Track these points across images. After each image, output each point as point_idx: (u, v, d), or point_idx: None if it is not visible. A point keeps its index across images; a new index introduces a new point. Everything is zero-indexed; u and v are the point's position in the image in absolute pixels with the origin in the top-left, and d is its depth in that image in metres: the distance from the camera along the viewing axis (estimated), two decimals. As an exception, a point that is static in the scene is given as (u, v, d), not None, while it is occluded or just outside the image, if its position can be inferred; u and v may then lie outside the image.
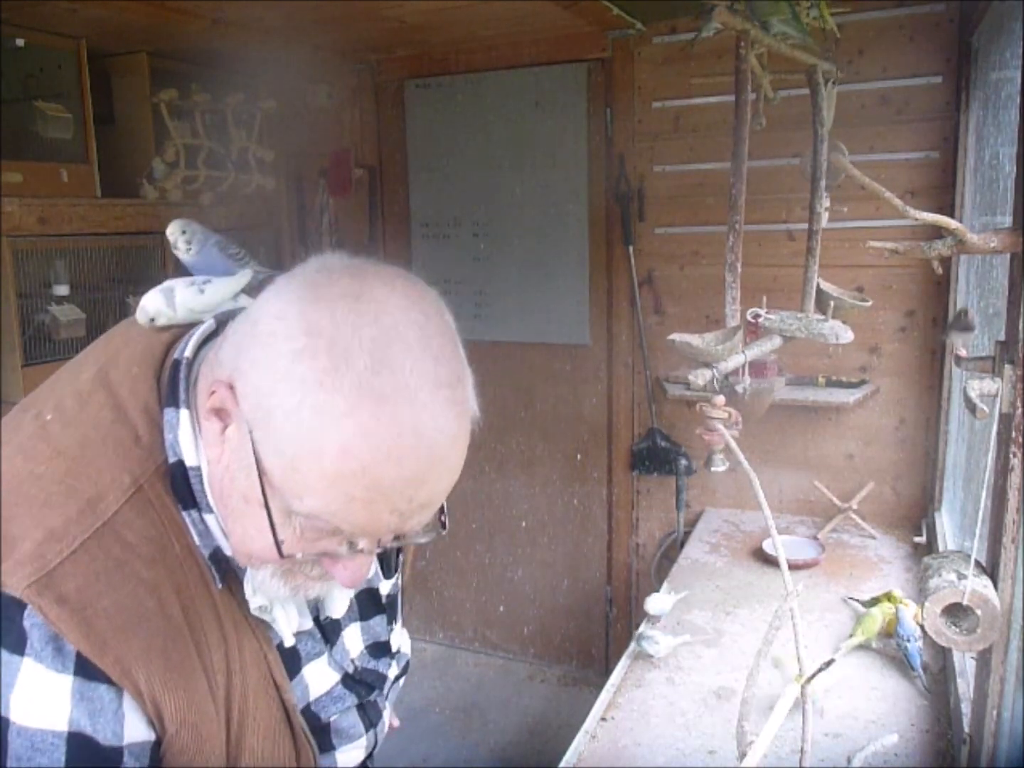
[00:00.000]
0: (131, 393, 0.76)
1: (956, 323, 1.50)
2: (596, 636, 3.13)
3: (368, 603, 0.95)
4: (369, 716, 0.93)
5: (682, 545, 2.55)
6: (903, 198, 1.24)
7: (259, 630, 0.79)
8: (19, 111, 2.28)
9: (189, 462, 0.73)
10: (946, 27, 2.29)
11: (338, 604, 0.88)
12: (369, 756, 0.97)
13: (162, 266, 2.68)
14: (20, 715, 0.65)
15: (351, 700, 0.90)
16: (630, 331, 2.83)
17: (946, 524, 2.27)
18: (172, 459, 0.74)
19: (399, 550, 1.00)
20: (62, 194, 2.37)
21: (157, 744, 0.72)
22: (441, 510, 0.75)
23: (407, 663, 1.05)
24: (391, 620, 0.99)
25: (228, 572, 0.76)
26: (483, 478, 3.12)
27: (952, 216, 1.73)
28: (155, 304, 0.82)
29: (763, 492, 1.05)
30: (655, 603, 1.94)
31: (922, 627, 1.11)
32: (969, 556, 1.12)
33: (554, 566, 3.14)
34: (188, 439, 0.74)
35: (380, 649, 0.97)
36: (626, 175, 2.73)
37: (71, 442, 0.73)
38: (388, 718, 0.99)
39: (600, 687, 1.71)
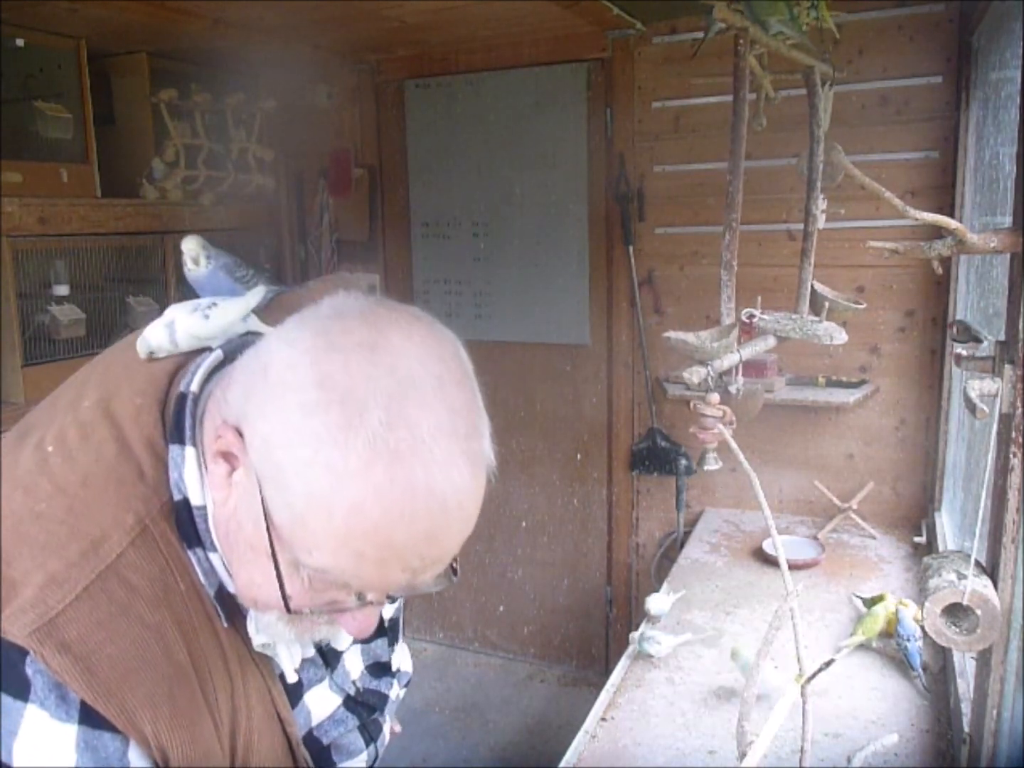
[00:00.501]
0: (135, 426, 0.73)
1: (961, 336, 1.49)
2: (596, 636, 3.13)
3: None
4: (369, 732, 0.93)
5: (682, 545, 2.55)
6: (903, 198, 1.24)
7: (263, 664, 0.78)
8: (19, 111, 2.28)
9: (195, 501, 0.71)
10: (946, 27, 2.29)
11: (343, 637, 0.86)
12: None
13: (162, 266, 2.69)
14: (24, 763, 0.64)
15: (353, 722, 0.89)
16: (630, 331, 2.83)
17: (946, 524, 2.27)
18: (177, 497, 0.71)
19: None
20: (62, 194, 2.37)
21: None
22: (453, 561, 0.72)
23: (408, 680, 1.04)
24: (392, 642, 0.98)
25: (233, 609, 0.75)
26: (483, 478, 3.11)
27: (952, 216, 1.73)
28: (157, 339, 0.77)
29: (763, 492, 1.05)
30: (655, 603, 1.94)
31: (922, 627, 1.11)
32: (969, 556, 1.12)
33: (554, 566, 3.14)
34: (194, 478, 0.71)
35: (381, 669, 0.96)
36: (626, 175, 2.73)
37: (73, 478, 0.71)
38: (388, 730, 0.99)
39: (600, 687, 1.71)
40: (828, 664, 0.99)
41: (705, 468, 1.32)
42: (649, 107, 2.67)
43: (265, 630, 0.74)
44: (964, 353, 1.17)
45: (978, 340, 1.28)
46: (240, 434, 0.66)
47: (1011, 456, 1.04)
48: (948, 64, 2.29)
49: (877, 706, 1.59)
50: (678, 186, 2.67)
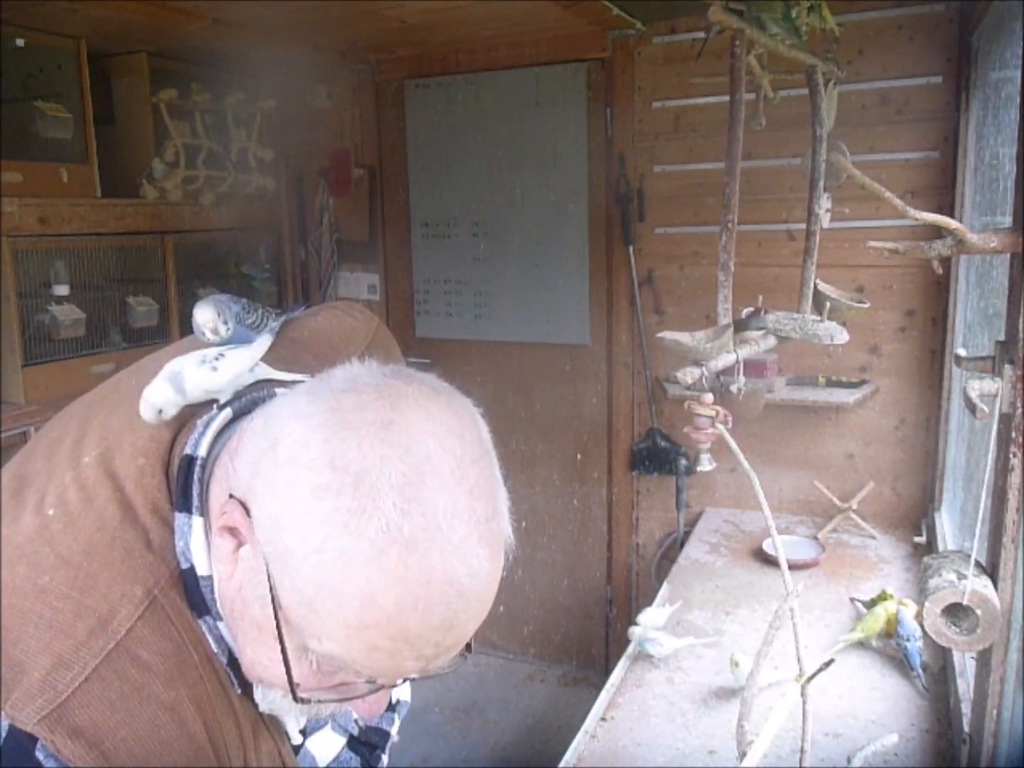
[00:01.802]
0: (138, 488, 0.70)
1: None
2: (596, 636, 3.13)
3: None
4: (368, 760, 0.92)
5: (682, 545, 2.55)
6: (903, 198, 1.24)
7: (273, 727, 0.76)
8: (19, 111, 2.28)
9: (201, 571, 0.68)
10: (946, 27, 2.29)
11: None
12: None
13: (162, 266, 2.69)
14: None
15: (356, 762, 0.89)
16: (630, 331, 2.83)
17: (946, 524, 2.27)
18: (184, 565, 0.68)
19: None
20: (62, 194, 2.37)
21: None
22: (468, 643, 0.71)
23: (406, 709, 1.03)
24: None
25: (244, 674, 0.72)
26: (483, 478, 3.11)
27: (952, 216, 1.73)
28: (163, 396, 0.71)
29: (763, 492, 1.05)
30: (649, 618, 1.91)
31: (922, 627, 1.11)
32: (969, 556, 1.12)
33: (554, 566, 3.14)
34: (200, 547, 0.68)
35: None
36: (626, 175, 2.73)
37: (76, 547, 0.67)
38: (387, 760, 0.98)
39: (600, 687, 1.71)
40: (828, 664, 0.99)
41: (699, 469, 1.31)
42: (649, 107, 2.67)
43: (271, 703, 0.72)
44: (964, 353, 1.17)
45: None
46: (247, 510, 0.63)
47: (1011, 456, 1.04)
48: (948, 64, 2.29)
49: (877, 706, 1.59)
50: (678, 186, 2.67)
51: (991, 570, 1.10)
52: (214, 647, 0.69)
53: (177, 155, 2.67)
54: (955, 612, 1.08)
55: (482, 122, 2.92)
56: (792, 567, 1.86)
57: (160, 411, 0.71)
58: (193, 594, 0.68)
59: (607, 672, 1.82)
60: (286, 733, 0.79)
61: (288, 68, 2.94)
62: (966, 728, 1.35)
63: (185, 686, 0.67)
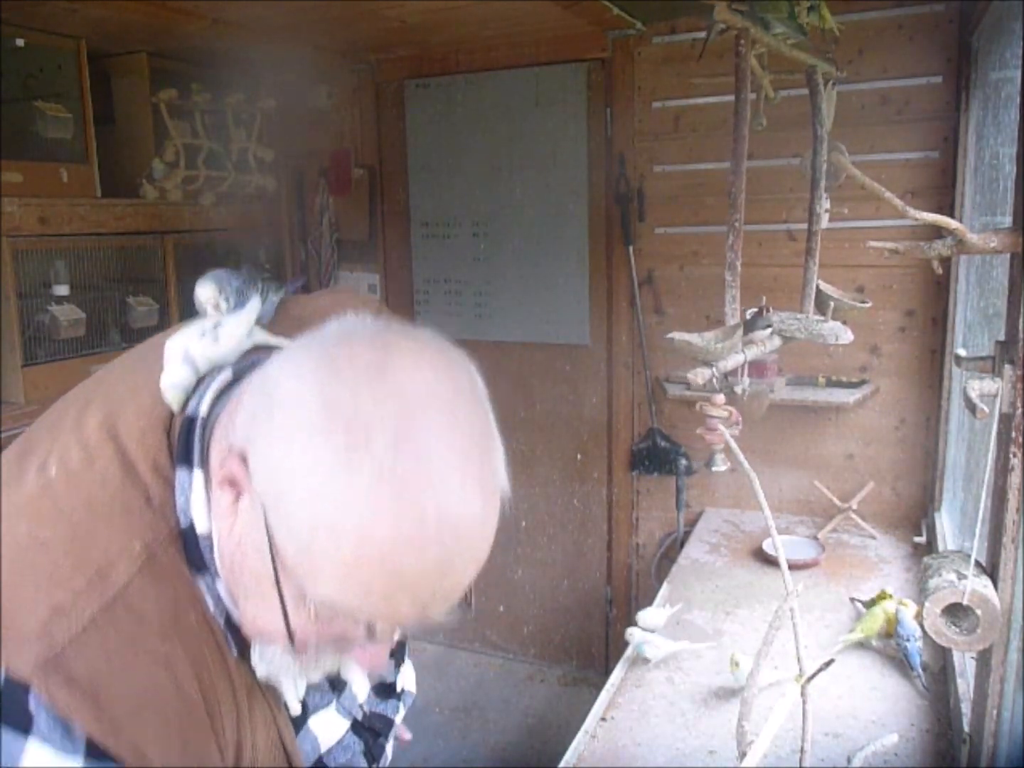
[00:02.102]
0: (140, 448, 0.70)
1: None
2: (596, 636, 3.13)
3: None
4: (373, 753, 0.92)
5: (682, 545, 2.55)
6: (903, 198, 1.24)
7: (270, 695, 0.76)
8: (19, 111, 2.28)
9: (200, 528, 0.69)
10: (946, 27, 2.29)
11: (350, 667, 0.82)
12: None
13: (162, 266, 2.69)
14: None
15: (359, 747, 0.88)
16: (630, 331, 2.83)
17: (946, 524, 2.27)
18: (184, 523, 0.69)
19: None
20: (62, 194, 2.37)
21: None
22: (468, 594, 0.71)
23: (411, 700, 1.03)
24: (399, 662, 0.98)
25: (242, 638, 0.72)
26: (483, 478, 3.11)
27: (952, 216, 1.73)
28: (183, 377, 0.73)
29: (763, 492, 1.05)
30: (648, 618, 1.91)
31: (922, 627, 1.11)
32: (969, 556, 1.12)
33: (554, 566, 3.14)
34: (200, 503, 0.69)
35: (387, 691, 0.95)
36: (626, 175, 2.73)
37: (78, 503, 0.68)
38: (391, 749, 0.98)
39: (600, 687, 1.71)
40: (828, 664, 0.99)
41: (712, 469, 1.31)
42: (649, 107, 2.67)
43: (269, 662, 0.71)
44: (964, 353, 1.17)
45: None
46: (245, 461, 0.64)
47: (1011, 456, 1.04)
48: (948, 64, 2.29)
49: (877, 706, 1.59)
50: (678, 186, 2.67)
51: (991, 570, 1.10)
52: (211, 607, 0.70)
53: (177, 155, 2.67)
54: (955, 612, 1.08)
55: (482, 122, 2.92)
56: (792, 567, 1.86)
57: (186, 390, 0.73)
58: (192, 552, 0.69)
59: (607, 672, 1.82)
60: (285, 705, 0.78)
61: (288, 68, 2.94)
62: (966, 728, 1.35)
63: (181, 642, 0.67)
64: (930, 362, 2.45)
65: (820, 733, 1.49)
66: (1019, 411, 1.03)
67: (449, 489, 0.60)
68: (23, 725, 0.60)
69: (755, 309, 1.48)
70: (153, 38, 2.49)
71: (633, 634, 1.81)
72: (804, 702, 0.99)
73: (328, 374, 0.61)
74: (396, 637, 0.69)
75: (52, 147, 2.36)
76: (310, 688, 0.82)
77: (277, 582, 0.64)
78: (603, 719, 1.60)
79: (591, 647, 3.14)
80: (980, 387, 1.03)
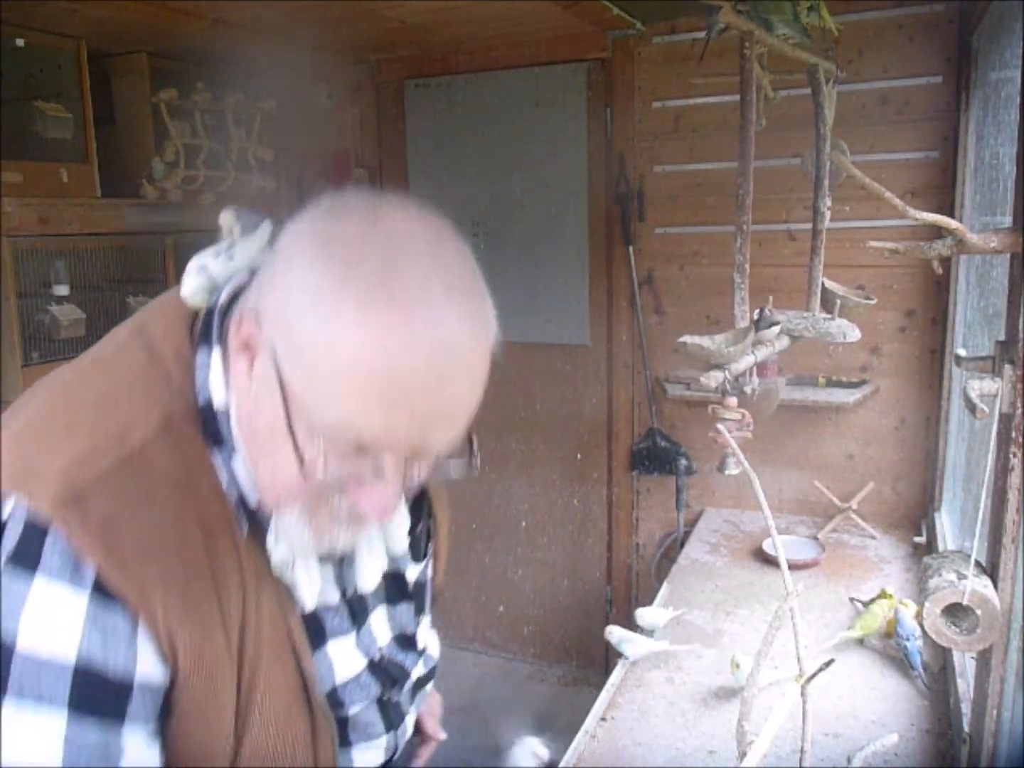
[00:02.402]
0: (165, 339, 0.77)
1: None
2: (596, 636, 3.13)
3: (395, 587, 0.94)
4: (390, 716, 0.92)
5: (682, 545, 2.55)
6: (903, 198, 1.24)
7: (282, 592, 0.77)
8: (19, 111, 2.28)
9: (217, 403, 0.74)
10: (946, 27, 2.29)
11: (367, 574, 0.86)
12: (389, 762, 0.95)
13: (162, 266, 2.69)
14: (27, 639, 0.63)
15: (375, 689, 0.89)
16: (630, 331, 2.83)
17: (946, 524, 2.27)
18: (203, 401, 0.75)
19: (429, 536, 0.98)
20: (62, 194, 2.37)
21: (170, 689, 0.70)
22: (471, 446, 0.75)
23: (434, 667, 1.03)
24: (419, 611, 0.98)
25: (254, 524, 0.75)
26: (483, 478, 3.11)
27: (952, 216, 1.73)
28: (200, 283, 0.82)
29: (763, 492, 1.05)
30: (648, 617, 1.91)
31: (922, 627, 1.11)
32: (969, 556, 1.12)
33: (554, 566, 3.14)
34: (218, 379, 0.75)
35: (407, 643, 0.96)
36: (626, 175, 2.73)
37: (105, 380, 0.75)
38: (411, 723, 0.98)
39: (600, 687, 1.71)
40: (828, 664, 0.99)
41: (726, 472, 1.31)
42: (649, 107, 2.67)
43: (285, 536, 0.74)
44: (964, 353, 1.17)
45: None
46: (258, 320, 0.69)
47: (1011, 456, 1.04)
48: (948, 64, 2.29)
49: (877, 706, 1.59)
50: (678, 186, 2.67)
51: (991, 570, 1.10)
52: (224, 482, 0.74)
53: (177, 155, 2.67)
54: (955, 612, 1.08)
55: (482, 122, 2.92)
56: (792, 567, 1.86)
57: (204, 290, 0.81)
58: (210, 427, 0.74)
59: (607, 672, 1.82)
60: (304, 613, 0.80)
61: (288, 68, 2.93)
62: (966, 728, 1.35)
63: (192, 506, 0.71)
64: (930, 362, 2.45)
65: (820, 733, 1.49)
66: (1019, 411, 1.03)
67: (437, 306, 0.65)
68: (33, 566, 0.64)
69: (759, 309, 1.48)
70: (153, 38, 2.49)
71: (612, 632, 1.81)
72: (804, 702, 0.99)
73: (324, 225, 0.68)
74: (403, 477, 0.71)
75: (52, 147, 2.36)
76: (328, 610, 0.83)
77: (288, 419, 0.67)
78: (603, 719, 1.60)
79: (591, 647, 3.14)
80: (980, 387, 1.03)
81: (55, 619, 0.64)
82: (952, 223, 1.10)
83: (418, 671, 0.97)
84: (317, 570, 0.80)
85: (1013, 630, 1.09)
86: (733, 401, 1.24)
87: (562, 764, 1.47)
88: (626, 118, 2.71)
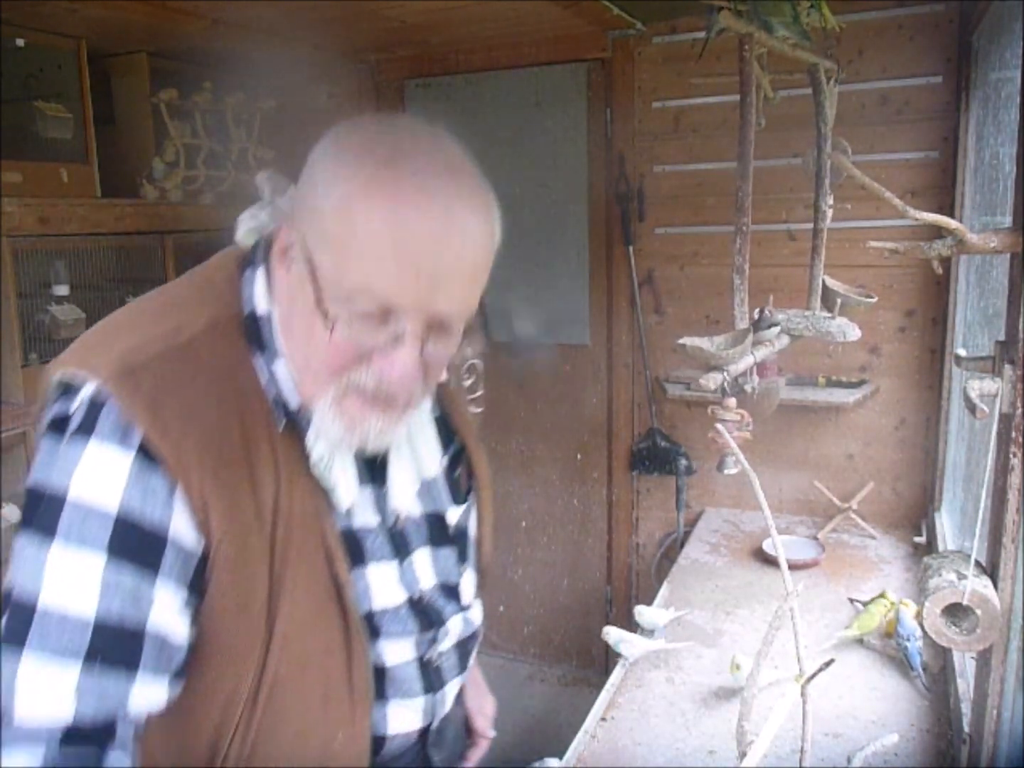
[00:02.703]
0: (218, 268, 0.90)
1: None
2: (596, 636, 3.11)
3: (437, 529, 0.97)
4: (429, 677, 0.94)
5: (682, 545, 2.55)
6: (903, 198, 1.24)
7: (317, 493, 0.83)
8: (19, 111, 2.28)
9: (260, 310, 0.85)
10: (946, 27, 2.29)
11: (400, 492, 0.92)
12: (426, 734, 0.97)
13: (162, 266, 2.68)
14: (77, 490, 0.72)
15: (413, 627, 0.91)
16: (630, 331, 2.83)
17: (946, 524, 2.27)
18: (248, 310, 0.85)
19: (471, 484, 1.04)
20: (62, 194, 2.37)
21: (202, 563, 0.76)
22: (485, 322, 0.85)
23: (475, 634, 1.06)
24: (462, 559, 1.02)
25: (291, 424, 0.83)
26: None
27: (952, 216, 1.73)
28: (248, 225, 0.95)
29: (763, 492, 1.05)
30: (648, 616, 1.91)
31: (922, 627, 1.11)
32: (969, 556, 1.12)
33: (554, 566, 3.14)
34: (262, 291, 0.86)
35: (450, 592, 0.99)
36: (626, 175, 2.73)
37: (163, 298, 0.89)
38: (451, 697, 1.00)
39: (600, 687, 1.71)
40: (828, 664, 0.99)
41: (724, 472, 1.31)
42: (649, 107, 2.67)
43: (323, 433, 0.82)
44: (964, 353, 1.17)
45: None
46: (292, 226, 0.81)
47: (1011, 456, 1.04)
48: (948, 64, 2.29)
49: (877, 706, 1.59)
50: (678, 186, 2.67)
51: (991, 570, 1.10)
52: (264, 380, 0.83)
53: (177, 155, 2.67)
54: (955, 612, 1.08)
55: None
56: (792, 567, 1.86)
57: (246, 237, 0.94)
58: (253, 333, 0.84)
59: (607, 672, 1.82)
60: (344, 530, 0.86)
61: (288, 68, 2.93)
62: (966, 728, 1.35)
63: (232, 396, 0.80)
64: (930, 362, 2.45)
65: (820, 733, 1.49)
66: (1019, 411, 1.03)
67: (438, 183, 0.76)
68: (89, 431, 0.74)
69: (758, 309, 1.48)
70: (153, 38, 2.49)
71: (609, 633, 1.82)
72: (804, 702, 0.99)
73: (341, 134, 0.82)
74: (421, 346, 0.79)
75: (52, 147, 2.35)
76: (368, 531, 0.89)
77: (318, 297, 0.77)
78: (603, 719, 1.60)
79: (591, 647, 3.14)
80: (980, 387, 1.03)
81: (103, 474, 0.73)
82: (952, 223, 1.10)
83: (457, 626, 0.99)
84: (354, 472, 0.86)
85: (1013, 630, 1.09)
86: (732, 402, 1.24)
87: (562, 764, 1.47)
88: (626, 118, 2.71)
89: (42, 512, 0.72)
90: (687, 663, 1.79)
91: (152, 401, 0.75)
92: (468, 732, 1.15)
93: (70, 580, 0.71)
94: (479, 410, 1.14)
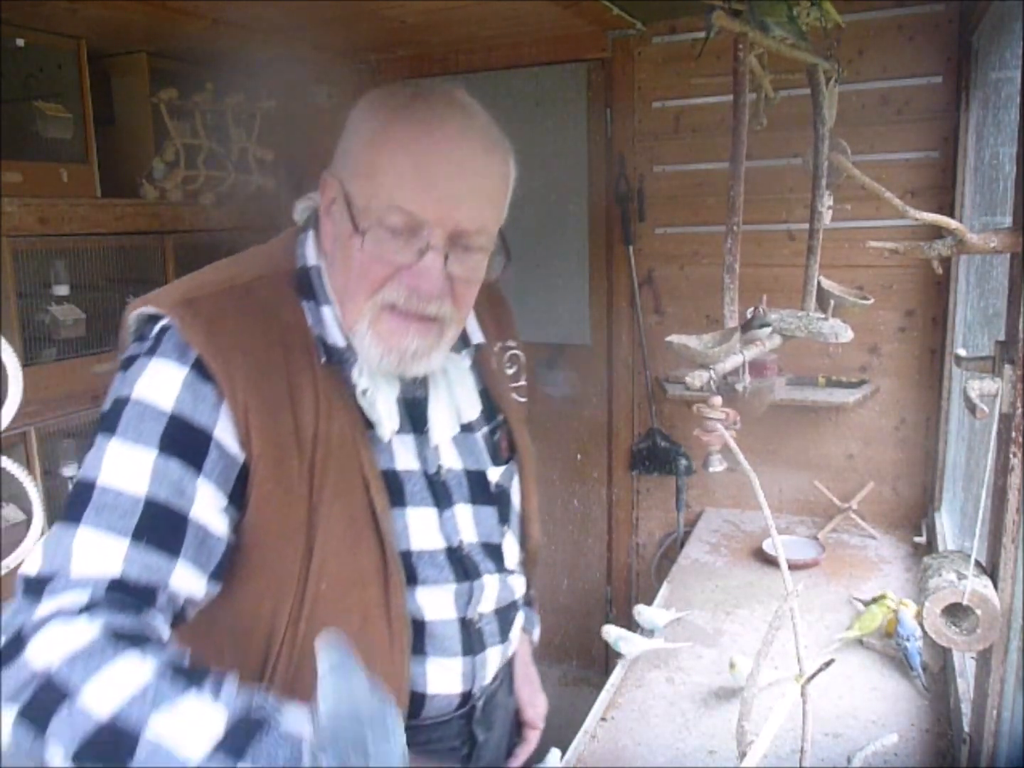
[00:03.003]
0: (278, 239, 1.04)
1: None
2: (596, 636, 3.11)
3: (477, 486, 1.04)
4: (470, 638, 0.98)
5: (682, 545, 2.55)
6: (903, 198, 1.24)
7: (356, 422, 0.92)
8: (19, 111, 2.28)
9: (310, 262, 0.98)
10: (946, 27, 2.29)
11: (440, 429, 1.01)
12: (471, 709, 1.00)
13: (162, 266, 2.68)
14: (139, 393, 0.84)
15: (450, 575, 0.97)
16: (630, 331, 2.83)
17: (946, 524, 2.27)
18: (299, 265, 0.98)
19: (512, 455, 1.17)
20: (62, 194, 2.37)
21: (243, 477, 0.86)
22: (504, 247, 1.01)
23: (515, 603, 1.14)
24: (503, 520, 1.10)
25: (333, 361, 0.93)
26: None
27: (952, 216, 1.73)
28: (305, 207, 1.06)
29: (763, 492, 1.05)
30: (648, 616, 1.91)
31: (922, 627, 1.11)
32: (969, 556, 1.12)
33: (554, 566, 3.13)
34: (312, 246, 0.99)
35: (491, 552, 1.05)
36: (626, 175, 2.73)
37: (229, 260, 1.01)
38: (496, 661, 1.04)
39: (600, 687, 1.71)
40: (828, 664, 0.99)
41: (709, 470, 1.31)
42: (649, 107, 2.67)
43: (364, 356, 0.93)
44: (964, 353, 1.17)
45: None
46: (333, 175, 0.95)
47: (1011, 456, 1.04)
48: (948, 64, 2.29)
49: (877, 706, 1.59)
50: (678, 186, 2.67)
51: (991, 570, 1.10)
52: (310, 322, 0.94)
53: (177, 155, 2.67)
54: (955, 612, 1.08)
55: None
56: (792, 567, 1.86)
57: (302, 215, 1.06)
58: (304, 283, 0.96)
59: (607, 672, 1.82)
60: (385, 471, 0.94)
61: (288, 68, 2.93)
62: (966, 728, 1.34)
63: (278, 330, 0.91)
64: (930, 362, 2.44)
65: (820, 733, 1.49)
66: (1019, 411, 1.02)
67: (455, 120, 0.91)
68: (153, 351, 0.87)
69: (752, 308, 1.48)
70: (153, 38, 2.49)
71: (608, 631, 1.82)
72: (804, 702, 0.99)
73: (372, 93, 0.96)
74: (444, 260, 0.90)
75: (52, 147, 2.35)
76: (408, 475, 0.97)
77: (354, 224, 0.89)
78: (603, 719, 1.60)
79: (591, 647, 3.14)
80: (980, 387, 1.03)
81: (161, 381, 0.85)
82: (952, 223, 1.10)
83: (494, 586, 1.04)
84: (396, 409, 0.96)
85: (1013, 630, 1.09)
86: (717, 400, 1.24)
87: (562, 764, 1.47)
88: (626, 118, 2.71)
89: (108, 415, 0.85)
90: (687, 663, 1.79)
91: (207, 327, 0.86)
92: (517, 727, 1.20)
93: (126, 466, 0.81)
94: (523, 399, 1.18)
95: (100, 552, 0.78)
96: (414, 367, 0.94)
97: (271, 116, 3.02)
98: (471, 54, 2.86)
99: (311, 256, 0.98)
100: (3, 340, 1.01)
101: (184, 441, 0.83)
